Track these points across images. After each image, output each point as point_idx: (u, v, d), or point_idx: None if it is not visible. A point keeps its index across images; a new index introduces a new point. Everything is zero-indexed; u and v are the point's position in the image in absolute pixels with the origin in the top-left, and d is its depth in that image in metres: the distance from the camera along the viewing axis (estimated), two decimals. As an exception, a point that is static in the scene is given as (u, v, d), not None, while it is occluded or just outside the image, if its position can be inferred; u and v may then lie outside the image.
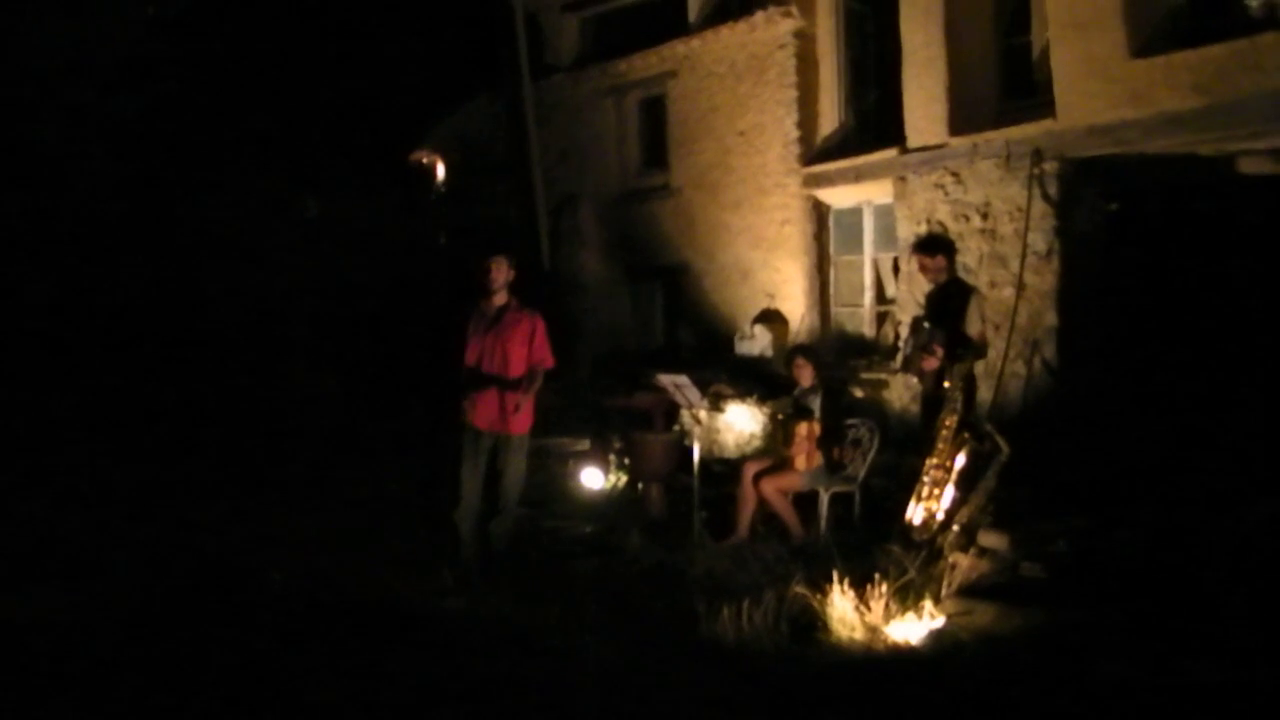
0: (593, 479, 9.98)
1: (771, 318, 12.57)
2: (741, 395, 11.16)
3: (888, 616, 5.81)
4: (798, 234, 12.35)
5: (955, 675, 5.14)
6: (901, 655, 5.53)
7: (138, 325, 13.79)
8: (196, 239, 14.62)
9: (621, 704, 5.11)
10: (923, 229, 10.49)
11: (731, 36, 12.94)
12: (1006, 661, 5.14)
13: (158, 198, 14.51)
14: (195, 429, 12.52)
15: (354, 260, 15.08)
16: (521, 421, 7.30)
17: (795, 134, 12.28)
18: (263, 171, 15.68)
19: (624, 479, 9.94)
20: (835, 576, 6.03)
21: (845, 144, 12.04)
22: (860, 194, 11.87)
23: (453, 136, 18.19)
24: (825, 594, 6.00)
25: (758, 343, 12.34)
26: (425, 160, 19.21)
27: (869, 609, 5.83)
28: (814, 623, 5.92)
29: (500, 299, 7.35)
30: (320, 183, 16.78)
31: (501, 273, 7.28)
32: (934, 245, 7.97)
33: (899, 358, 8.66)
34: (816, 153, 12.24)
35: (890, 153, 10.99)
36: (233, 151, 15.63)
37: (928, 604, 5.87)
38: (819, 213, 12.33)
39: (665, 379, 8.60)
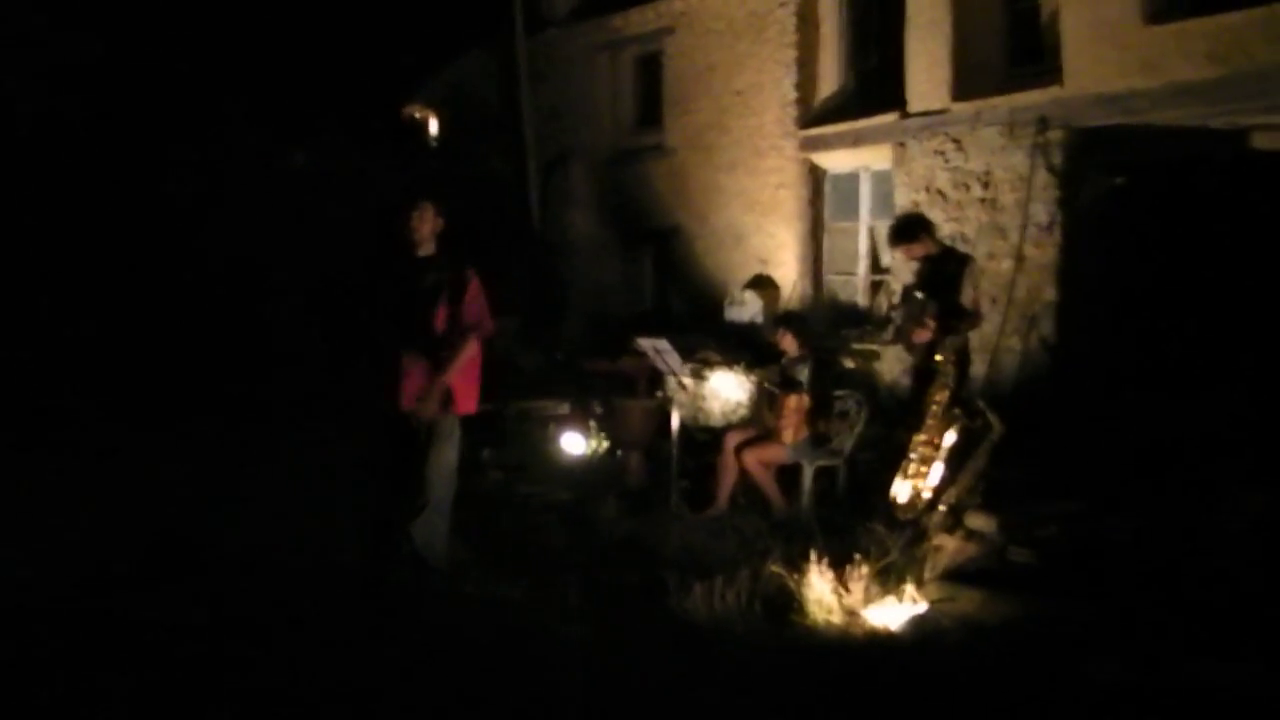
0: (573, 444, 9.70)
1: (763, 284, 12.27)
2: (729, 362, 10.87)
3: (867, 599, 5.54)
4: (793, 198, 12.04)
5: (935, 665, 4.87)
6: (879, 641, 5.26)
7: (111, 277, 13.42)
8: (176, 189, 14.24)
9: (585, 684, 4.86)
10: (922, 196, 10.21)
11: (731, -8, 12.60)
12: (989, 653, 4.87)
13: (134, 146, 14.10)
14: (170, 385, 12.22)
15: (342, 214, 14.71)
16: (460, 400, 6.16)
17: (793, 95, 11.94)
18: (248, 121, 15.29)
19: (605, 445, 9.66)
20: (814, 556, 5.74)
21: (844, 107, 11.69)
22: (858, 159, 11.54)
23: (446, 91, 17.90)
24: (803, 573, 5.72)
25: (748, 309, 12.04)
26: (418, 115, 18.90)
27: (848, 591, 5.56)
28: (790, 603, 5.65)
29: (425, 251, 6.20)
30: (308, 135, 16.43)
31: (426, 223, 6.13)
32: (909, 232, 7.62)
33: (890, 329, 8.39)
34: (814, 115, 11.90)
35: (890, 117, 10.66)
36: (217, 99, 15.25)
37: (909, 587, 5.59)
38: (815, 177, 12.01)
39: (646, 343, 8.31)
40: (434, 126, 18.72)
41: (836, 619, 5.45)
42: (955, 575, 5.76)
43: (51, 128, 13.57)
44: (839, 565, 5.77)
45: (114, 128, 14.01)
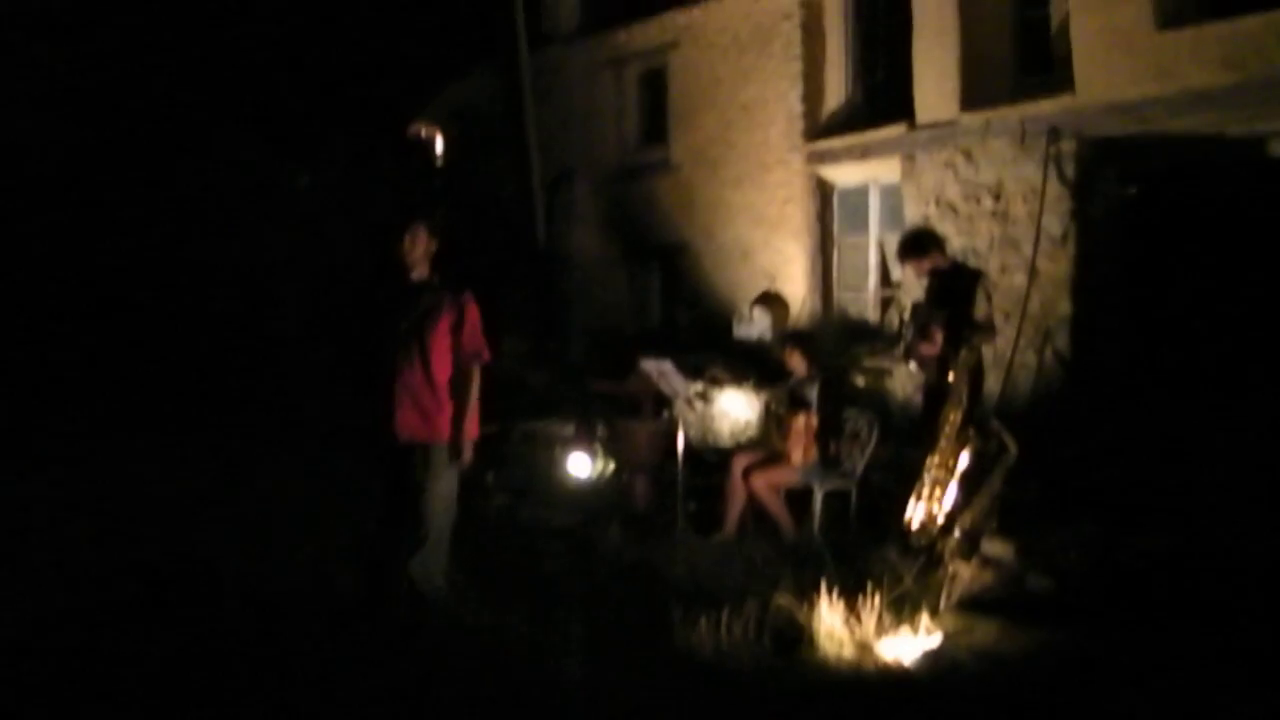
0: (579, 466, 9.49)
1: (771, 300, 12.06)
2: (738, 381, 10.66)
3: (880, 631, 5.30)
4: (800, 213, 11.84)
5: (951, 703, 4.63)
6: (893, 677, 5.01)
7: (113, 297, 13.29)
8: (178, 210, 14.10)
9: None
10: (932, 210, 9.99)
11: (735, 6, 12.44)
12: (1008, 689, 4.63)
13: (137, 167, 13.97)
14: (172, 404, 12.09)
15: (345, 234, 14.56)
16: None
17: (800, 108, 11.75)
18: (251, 142, 15.17)
19: (612, 466, 9.44)
20: (824, 587, 5.51)
21: (852, 120, 11.49)
22: (866, 172, 11.33)
23: (451, 109, 17.78)
24: (813, 604, 5.49)
25: (756, 326, 11.83)
26: (424, 133, 18.76)
27: (860, 623, 5.32)
28: (800, 635, 5.42)
29: (418, 275, 5.96)
30: (312, 155, 16.32)
31: (419, 244, 5.85)
32: (918, 247, 7.42)
33: (901, 346, 8.18)
34: (821, 128, 11.71)
35: (898, 129, 10.45)
36: (221, 121, 15.13)
37: (924, 618, 5.35)
38: (823, 191, 11.79)
39: (649, 365, 8.09)
40: (439, 145, 18.57)
41: (848, 652, 5.21)
42: (972, 605, 5.52)
43: (56, 150, 13.46)
44: (851, 594, 5.54)
45: (117, 149, 13.88)
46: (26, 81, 13.36)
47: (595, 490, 9.18)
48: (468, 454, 5.85)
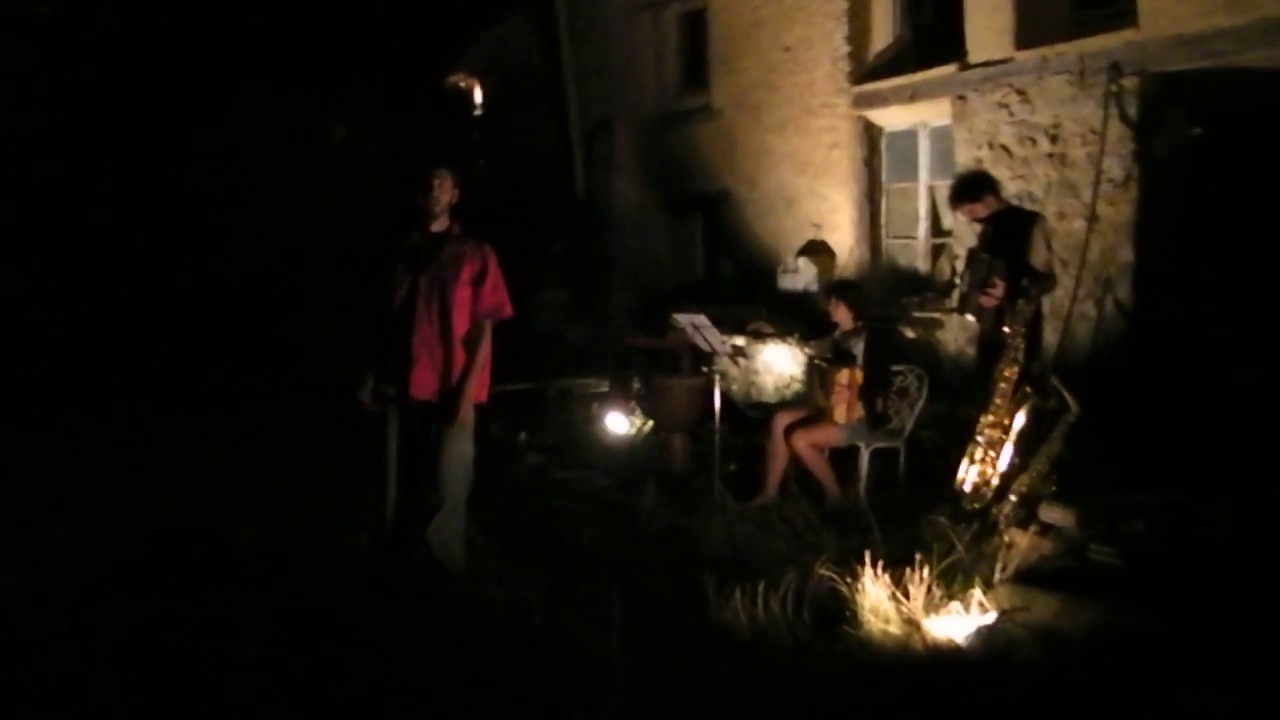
0: (616, 425, 9.20)
1: (817, 249, 11.63)
2: (782, 334, 10.31)
3: (929, 607, 4.92)
4: (847, 159, 11.36)
5: (1006, 687, 4.26)
6: (944, 657, 4.65)
7: (141, 261, 13.11)
8: (209, 166, 13.86)
9: (612, 705, 4.36)
10: (984, 153, 9.51)
11: (778, -58, 11.91)
12: (1068, 672, 4.25)
13: (160, 122, 13.72)
14: (201, 369, 11.93)
15: (381, 189, 14.27)
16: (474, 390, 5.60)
17: (845, 49, 11.23)
18: (287, 96, 14.87)
19: (649, 425, 9.14)
20: (868, 559, 5.14)
21: (900, 60, 10.97)
22: (915, 115, 10.84)
23: (489, 58, 17.41)
24: (857, 575, 5.12)
25: (801, 277, 11.41)
26: (463, 84, 18.45)
27: (907, 597, 4.95)
28: (842, 610, 5.06)
29: (439, 227, 5.60)
30: (348, 108, 16.02)
31: (445, 191, 5.52)
32: (971, 191, 7.05)
33: (955, 295, 7.76)
34: (868, 70, 11.20)
35: (949, 69, 9.94)
36: (255, 75, 14.83)
37: (977, 592, 4.97)
38: (870, 135, 11.30)
39: (683, 319, 7.73)
40: (478, 96, 18.26)
41: (895, 630, 4.85)
42: (1029, 577, 5.13)
43: (78, 107, 13.25)
44: (898, 564, 5.18)
45: (145, 106, 13.66)
46: (48, 36, 13.14)
47: (631, 450, 8.92)
48: (464, 413, 5.51)
